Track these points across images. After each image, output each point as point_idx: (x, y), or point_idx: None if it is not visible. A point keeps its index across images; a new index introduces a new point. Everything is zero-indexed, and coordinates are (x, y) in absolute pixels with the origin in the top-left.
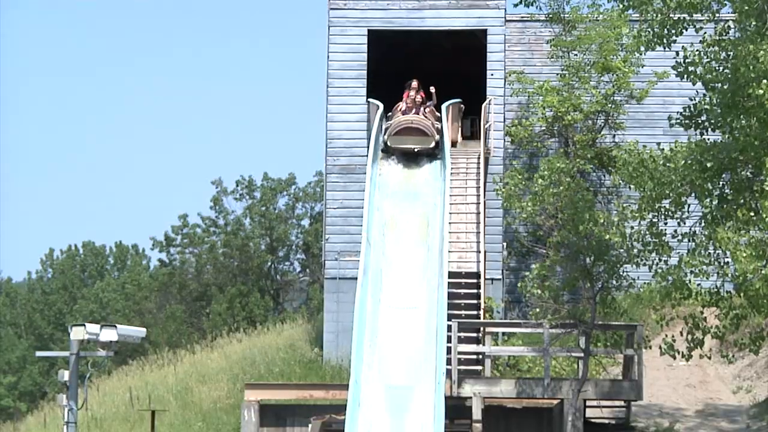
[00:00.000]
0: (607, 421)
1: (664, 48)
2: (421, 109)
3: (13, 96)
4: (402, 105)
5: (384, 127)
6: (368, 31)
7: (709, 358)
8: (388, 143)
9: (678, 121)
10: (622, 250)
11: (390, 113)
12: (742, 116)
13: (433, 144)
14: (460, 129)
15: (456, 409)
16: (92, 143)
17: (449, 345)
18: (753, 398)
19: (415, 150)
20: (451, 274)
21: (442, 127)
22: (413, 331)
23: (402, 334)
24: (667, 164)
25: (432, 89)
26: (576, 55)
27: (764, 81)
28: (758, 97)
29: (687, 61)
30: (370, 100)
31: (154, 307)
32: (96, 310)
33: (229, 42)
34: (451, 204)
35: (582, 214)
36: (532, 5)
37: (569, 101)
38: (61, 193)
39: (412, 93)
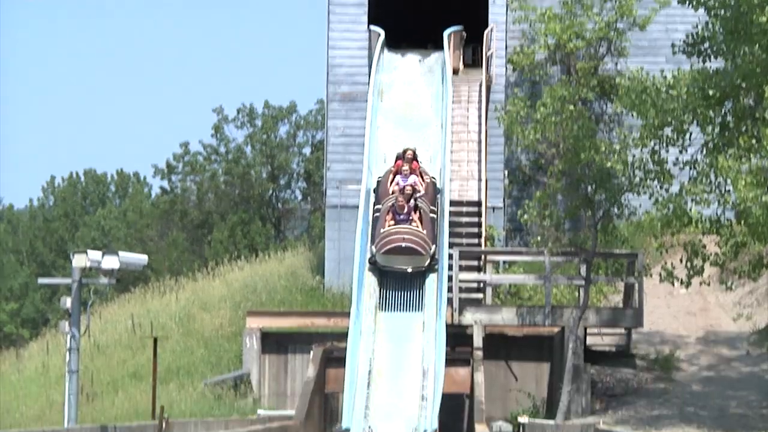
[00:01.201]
0: (607, 349)
1: None
2: (413, 178)
3: (13, 24)
4: (390, 186)
5: (373, 237)
6: None
7: (708, 285)
8: (377, 260)
9: (681, 48)
10: (623, 178)
11: (380, 179)
12: (744, 43)
13: (427, 261)
14: (461, 57)
15: (457, 336)
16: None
17: (450, 273)
18: (753, 325)
19: (408, 271)
20: (453, 203)
21: (436, 189)
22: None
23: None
24: (670, 92)
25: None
26: None
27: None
28: (761, 24)
29: None
30: (372, 27)
31: (155, 234)
32: (98, 238)
33: None
34: (452, 132)
35: (584, 143)
36: None
37: (571, 29)
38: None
39: (406, 167)
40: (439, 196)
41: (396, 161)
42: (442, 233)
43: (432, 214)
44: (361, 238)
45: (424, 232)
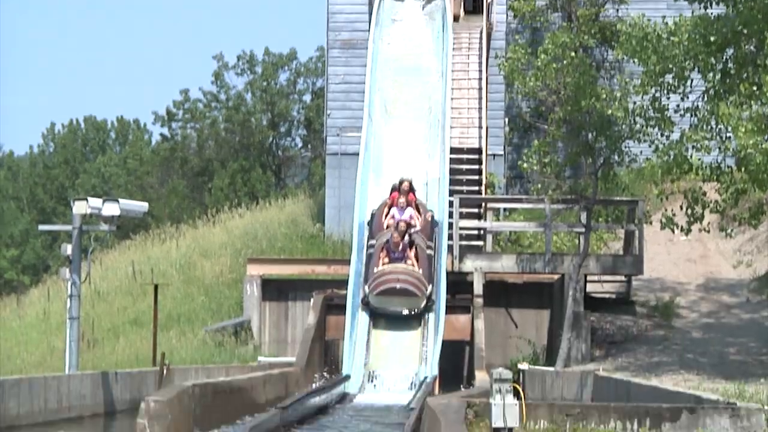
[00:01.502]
0: (607, 296)
1: None
2: (409, 212)
3: None
4: (384, 220)
5: (367, 277)
6: None
7: (708, 232)
8: (370, 302)
9: None
10: (624, 126)
11: (374, 212)
12: None
13: (423, 303)
14: (462, 3)
15: (457, 283)
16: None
17: (451, 220)
18: (753, 272)
19: (404, 314)
20: (453, 150)
21: (433, 234)
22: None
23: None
24: (671, 38)
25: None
26: None
27: None
28: None
29: None
30: None
31: (155, 182)
32: (98, 185)
33: None
34: (453, 79)
35: (584, 90)
36: None
37: None
38: (63, 67)
39: (402, 199)
40: (436, 229)
41: (391, 193)
42: (439, 269)
43: (429, 251)
44: (360, 184)
45: (420, 271)
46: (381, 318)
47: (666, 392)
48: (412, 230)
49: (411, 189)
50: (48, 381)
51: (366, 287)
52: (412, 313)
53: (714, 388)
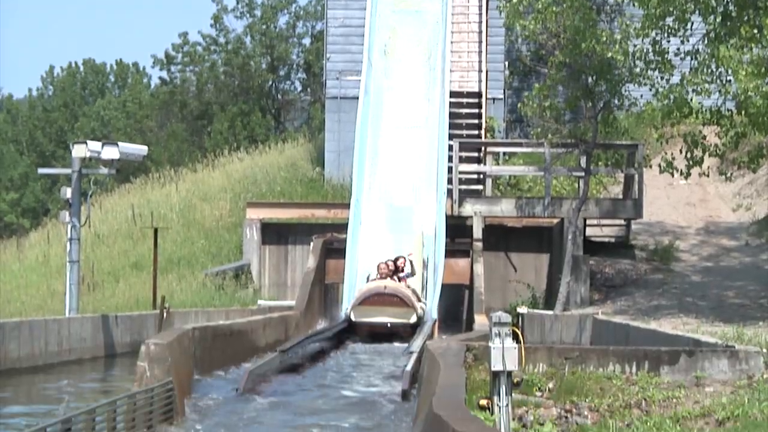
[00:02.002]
0: (607, 240)
1: None
2: (396, 278)
3: None
4: (373, 275)
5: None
6: None
7: (708, 176)
8: (352, 317)
9: None
10: (624, 69)
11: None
12: None
13: (414, 318)
14: None
15: (457, 227)
16: None
17: (450, 164)
18: (753, 215)
19: (389, 326)
20: (453, 94)
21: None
22: (415, 150)
23: (403, 154)
24: None
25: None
26: None
27: None
28: None
29: None
30: None
31: (155, 125)
32: (97, 128)
33: None
34: (452, 23)
35: (584, 33)
36: None
37: None
38: (62, 10)
39: (390, 263)
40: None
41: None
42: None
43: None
44: (360, 128)
45: (411, 289)
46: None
47: (664, 335)
48: (401, 274)
49: (406, 273)
50: (48, 324)
51: (347, 308)
52: (400, 327)
53: (713, 332)
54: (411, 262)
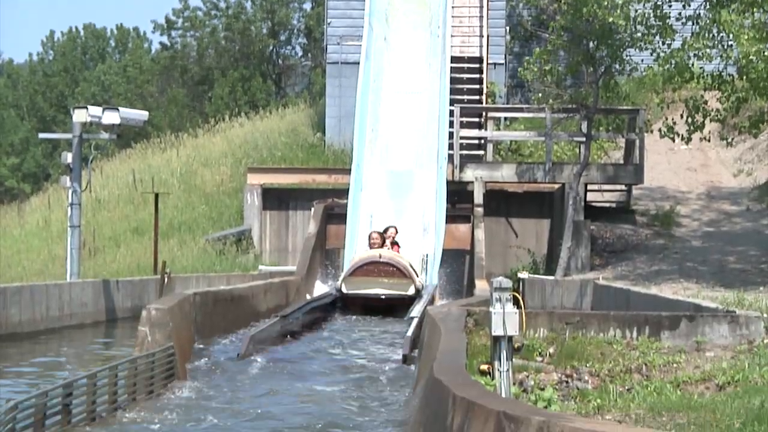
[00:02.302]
0: (607, 205)
1: None
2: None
3: None
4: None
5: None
6: None
7: (709, 141)
8: (343, 289)
9: None
10: (625, 34)
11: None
12: None
13: (412, 290)
14: None
15: (458, 193)
16: None
17: (451, 130)
18: (754, 181)
19: (383, 298)
20: (454, 59)
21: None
22: (415, 115)
23: (404, 119)
24: None
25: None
26: None
27: None
28: None
29: None
30: None
31: (155, 90)
32: (98, 93)
33: None
34: None
35: None
36: None
37: None
38: None
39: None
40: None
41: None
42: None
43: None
44: (361, 94)
45: (407, 260)
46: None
47: (665, 300)
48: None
49: (394, 237)
50: (49, 288)
51: (338, 282)
52: (396, 299)
53: (713, 297)
54: (395, 235)
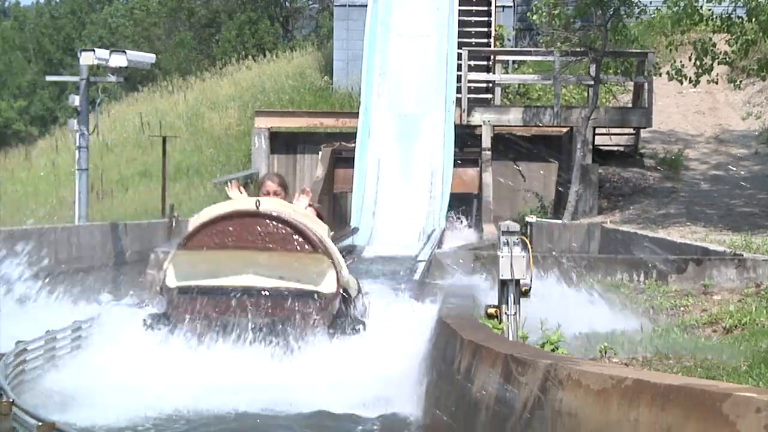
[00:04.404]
0: (616, 149)
1: None
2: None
3: None
4: None
5: None
6: None
7: (717, 83)
8: (170, 279)
9: None
10: None
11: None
12: None
13: (331, 282)
14: None
15: (465, 137)
16: None
17: (459, 73)
18: (762, 124)
19: (263, 293)
20: (462, 2)
21: None
22: (423, 59)
23: (412, 63)
24: None
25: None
26: None
27: None
28: None
29: None
30: None
31: (163, 33)
32: (105, 36)
33: None
34: None
35: None
36: None
37: None
38: None
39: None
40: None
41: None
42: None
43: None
44: (369, 37)
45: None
46: (390, 170)
47: (673, 244)
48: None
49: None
50: (57, 232)
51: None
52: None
53: (721, 240)
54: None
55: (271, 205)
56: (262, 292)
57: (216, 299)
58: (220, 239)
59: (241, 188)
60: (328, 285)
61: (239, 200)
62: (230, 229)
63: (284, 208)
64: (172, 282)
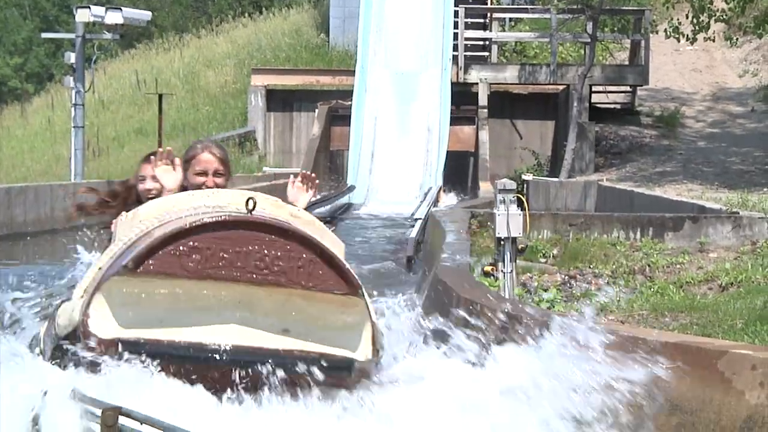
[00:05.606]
0: (612, 106)
1: None
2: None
3: None
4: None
5: None
6: None
7: (713, 41)
8: (93, 325)
9: None
10: None
11: None
12: None
13: (366, 324)
14: None
15: (462, 95)
16: None
17: (456, 31)
18: (759, 81)
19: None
20: None
21: None
22: (420, 16)
23: (409, 20)
24: None
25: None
26: None
27: None
28: None
29: None
30: None
31: None
32: None
33: None
34: None
35: None
36: None
37: None
38: None
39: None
40: None
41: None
42: None
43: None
44: None
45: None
46: (387, 128)
47: (669, 202)
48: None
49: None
50: (54, 189)
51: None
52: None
53: (717, 198)
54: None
55: (268, 206)
56: (262, 359)
57: (183, 367)
58: (191, 262)
59: (176, 161)
60: (363, 347)
61: (196, 194)
62: (207, 246)
63: (278, 206)
64: (102, 329)
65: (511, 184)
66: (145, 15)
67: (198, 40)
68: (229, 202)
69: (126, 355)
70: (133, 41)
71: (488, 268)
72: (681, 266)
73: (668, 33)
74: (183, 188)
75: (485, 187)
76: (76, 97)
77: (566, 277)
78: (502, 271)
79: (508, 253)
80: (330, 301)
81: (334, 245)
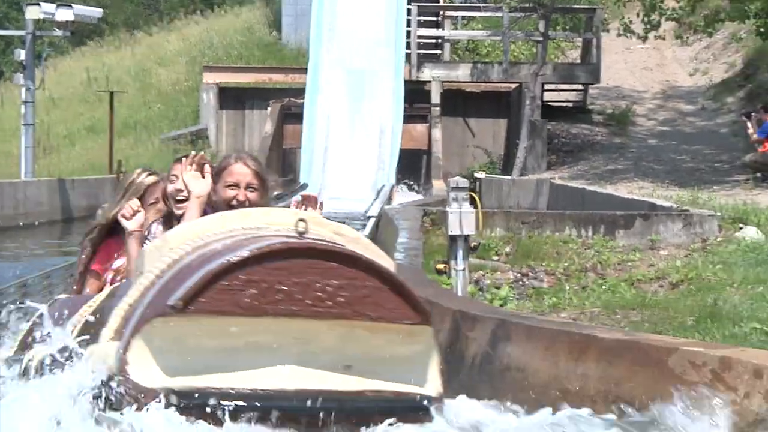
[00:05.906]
0: (564, 105)
1: None
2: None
3: None
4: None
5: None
6: None
7: (664, 39)
8: (143, 377)
9: None
10: None
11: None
12: None
13: (433, 381)
14: None
15: (415, 93)
16: None
17: (409, 29)
18: (709, 80)
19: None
20: None
21: None
22: (373, 14)
23: (361, 18)
24: None
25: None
26: None
27: None
28: None
29: None
30: None
31: None
32: None
33: None
34: None
35: None
36: None
37: None
38: None
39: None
40: None
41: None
42: None
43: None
44: None
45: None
46: (339, 126)
47: (620, 199)
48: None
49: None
50: (4, 187)
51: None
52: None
53: (668, 195)
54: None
55: (312, 225)
56: (329, 405)
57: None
58: (247, 297)
59: (207, 168)
60: (432, 381)
61: (227, 215)
62: (262, 278)
63: (334, 233)
64: (146, 377)
65: (464, 182)
66: (96, 12)
67: (149, 38)
68: (267, 222)
69: (173, 406)
70: (84, 38)
71: (441, 266)
72: (632, 264)
73: (620, 32)
74: (211, 200)
75: (438, 185)
76: (27, 94)
77: (519, 275)
78: (454, 269)
79: (461, 251)
80: (397, 331)
81: (386, 263)
